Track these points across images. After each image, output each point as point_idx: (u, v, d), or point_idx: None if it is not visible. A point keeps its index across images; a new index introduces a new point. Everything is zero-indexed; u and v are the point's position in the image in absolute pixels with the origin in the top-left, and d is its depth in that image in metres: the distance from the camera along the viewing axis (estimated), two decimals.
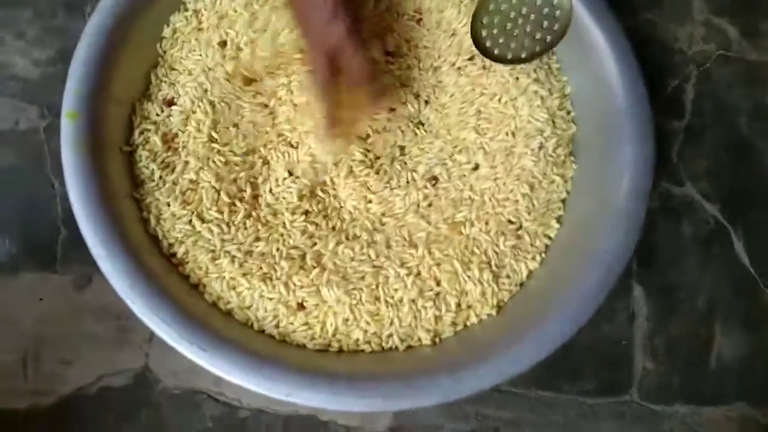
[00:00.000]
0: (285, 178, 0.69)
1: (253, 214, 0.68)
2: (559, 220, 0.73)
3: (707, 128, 0.93)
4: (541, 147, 0.72)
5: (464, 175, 0.72)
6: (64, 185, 0.71)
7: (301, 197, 0.69)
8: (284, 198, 0.69)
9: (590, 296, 0.64)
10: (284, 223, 0.68)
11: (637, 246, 0.78)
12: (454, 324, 0.67)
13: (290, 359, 0.60)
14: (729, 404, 0.81)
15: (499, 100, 0.73)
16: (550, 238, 0.71)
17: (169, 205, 0.67)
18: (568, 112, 0.76)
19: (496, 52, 0.68)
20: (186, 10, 0.76)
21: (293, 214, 0.68)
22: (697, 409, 0.81)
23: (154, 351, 0.77)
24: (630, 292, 0.84)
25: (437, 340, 0.66)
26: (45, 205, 0.81)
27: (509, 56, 0.68)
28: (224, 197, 0.67)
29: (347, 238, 0.68)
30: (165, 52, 0.75)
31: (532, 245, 0.70)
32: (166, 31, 0.75)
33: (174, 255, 0.66)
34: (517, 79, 0.73)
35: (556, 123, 0.74)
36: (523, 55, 0.68)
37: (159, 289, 0.59)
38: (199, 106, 0.70)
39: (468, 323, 0.67)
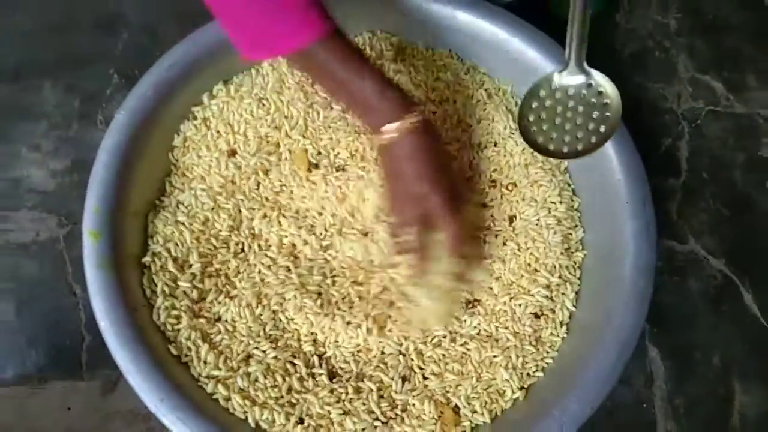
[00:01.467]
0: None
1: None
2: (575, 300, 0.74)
3: (704, 184, 0.96)
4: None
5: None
6: (85, 291, 0.73)
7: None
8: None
9: (607, 373, 0.65)
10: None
11: (649, 308, 0.81)
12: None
13: None
14: None
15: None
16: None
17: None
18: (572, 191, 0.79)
19: (551, 147, 0.65)
20: (195, 118, 0.79)
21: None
22: None
23: None
24: (646, 353, 0.85)
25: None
26: (68, 313, 0.84)
27: (565, 150, 0.65)
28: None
29: None
30: (177, 160, 0.78)
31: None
32: (177, 141, 0.79)
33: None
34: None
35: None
36: (580, 148, 0.65)
37: (188, 401, 0.61)
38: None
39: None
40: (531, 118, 0.65)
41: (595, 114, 0.64)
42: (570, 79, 0.64)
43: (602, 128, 0.64)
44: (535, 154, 0.78)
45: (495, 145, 0.80)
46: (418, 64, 0.82)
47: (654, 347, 0.86)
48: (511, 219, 0.77)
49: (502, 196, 0.77)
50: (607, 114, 0.64)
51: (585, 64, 0.64)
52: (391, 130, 0.63)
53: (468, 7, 0.79)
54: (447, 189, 0.64)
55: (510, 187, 0.78)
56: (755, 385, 0.85)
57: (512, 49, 0.79)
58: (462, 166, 0.78)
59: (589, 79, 0.64)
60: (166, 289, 0.69)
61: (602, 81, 0.64)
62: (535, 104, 0.65)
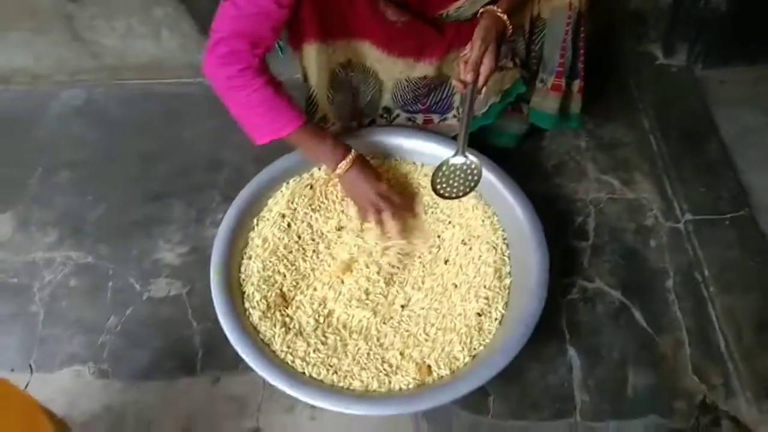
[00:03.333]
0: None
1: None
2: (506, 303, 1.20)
3: (606, 244, 1.41)
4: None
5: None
6: (199, 324, 1.24)
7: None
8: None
9: (516, 343, 1.09)
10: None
11: (568, 323, 1.26)
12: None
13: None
14: (644, 417, 1.19)
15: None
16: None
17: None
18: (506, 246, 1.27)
19: (445, 194, 1.19)
20: (262, 219, 1.31)
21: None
22: (623, 422, 1.19)
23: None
24: (566, 353, 1.27)
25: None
26: (189, 338, 1.31)
27: (453, 195, 1.19)
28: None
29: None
30: (252, 237, 1.29)
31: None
32: (253, 233, 1.30)
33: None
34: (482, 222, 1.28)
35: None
36: (460, 194, 1.19)
37: (279, 368, 1.08)
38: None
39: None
40: (438, 180, 1.18)
41: (470, 176, 1.18)
42: (457, 159, 1.17)
43: (472, 183, 1.18)
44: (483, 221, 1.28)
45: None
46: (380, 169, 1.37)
47: (572, 348, 1.27)
48: (468, 262, 1.25)
49: (465, 253, 1.26)
50: (476, 175, 1.18)
51: (466, 152, 1.16)
52: (341, 167, 1.20)
53: (408, 133, 1.37)
54: (377, 189, 1.22)
55: (469, 242, 1.27)
56: (642, 370, 1.24)
57: (433, 148, 1.34)
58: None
59: (467, 160, 1.16)
60: (250, 295, 1.19)
61: (474, 159, 1.16)
62: (440, 173, 1.18)
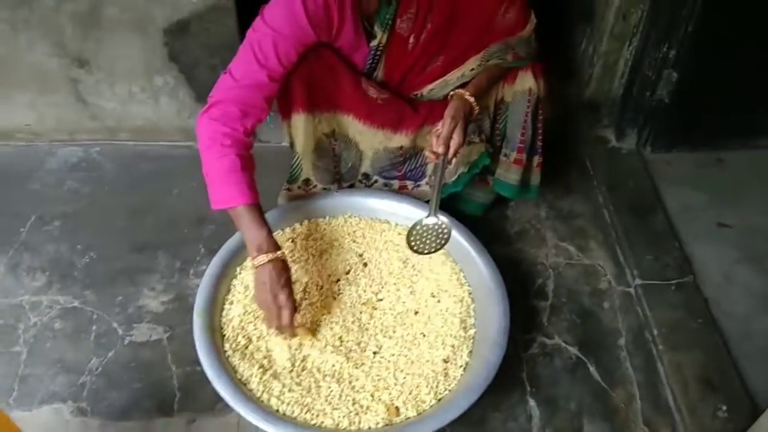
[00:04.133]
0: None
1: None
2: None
3: (563, 305, 1.53)
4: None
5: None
6: (179, 368, 1.31)
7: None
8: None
9: (479, 386, 1.17)
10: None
11: (528, 376, 1.36)
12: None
13: None
14: None
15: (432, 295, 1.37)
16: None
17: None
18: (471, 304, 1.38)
19: (418, 250, 1.31)
20: (242, 270, 1.41)
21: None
22: None
23: None
24: (527, 403, 1.35)
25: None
26: (167, 380, 1.36)
27: (425, 251, 1.31)
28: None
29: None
30: (234, 287, 1.38)
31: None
32: (235, 281, 1.39)
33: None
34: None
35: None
36: (432, 250, 1.31)
37: (254, 404, 1.14)
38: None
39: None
40: (412, 238, 1.30)
41: (440, 235, 1.30)
42: (430, 219, 1.30)
43: (443, 241, 1.30)
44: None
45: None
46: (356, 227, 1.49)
47: (532, 399, 1.36)
48: (436, 314, 1.35)
49: (434, 305, 1.36)
50: (446, 234, 1.30)
51: (437, 214, 1.29)
52: (258, 260, 1.21)
53: (384, 196, 1.51)
54: (274, 298, 1.20)
55: (438, 295, 1.37)
56: (596, 421, 1.32)
57: (406, 209, 1.48)
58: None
59: (438, 221, 1.29)
60: (230, 337, 1.26)
61: (445, 220, 1.29)
62: (414, 232, 1.31)
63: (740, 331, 1.46)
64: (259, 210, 1.25)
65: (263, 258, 1.22)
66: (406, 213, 1.48)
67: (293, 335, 1.26)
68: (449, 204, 1.51)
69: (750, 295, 1.54)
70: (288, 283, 1.24)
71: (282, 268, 1.24)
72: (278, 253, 1.24)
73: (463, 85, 1.36)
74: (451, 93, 1.35)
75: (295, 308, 1.23)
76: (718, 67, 1.71)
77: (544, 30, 1.43)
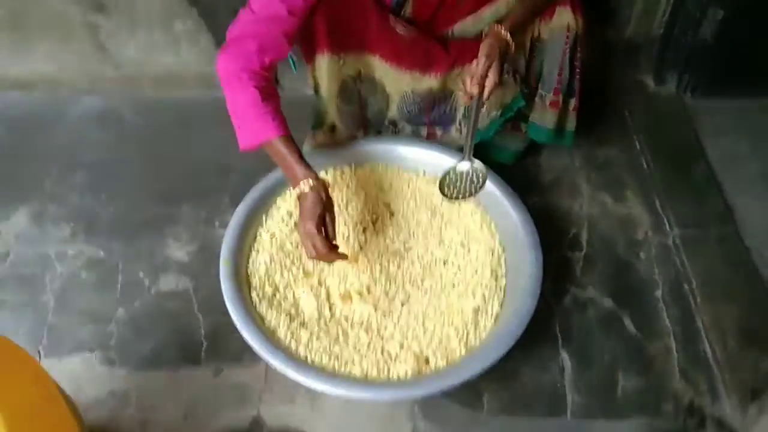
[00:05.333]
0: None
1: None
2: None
3: (598, 255, 1.48)
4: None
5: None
6: (206, 317, 1.29)
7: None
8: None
9: (511, 339, 1.14)
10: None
11: (561, 328, 1.31)
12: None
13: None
14: (633, 418, 1.23)
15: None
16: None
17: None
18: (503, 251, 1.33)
19: (452, 196, 1.27)
20: (268, 217, 1.38)
21: None
22: (612, 423, 1.22)
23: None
24: (559, 356, 1.31)
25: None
26: (194, 329, 1.35)
27: (459, 197, 1.27)
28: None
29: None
30: (260, 233, 1.35)
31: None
32: (261, 230, 1.36)
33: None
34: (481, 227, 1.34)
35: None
36: (466, 196, 1.27)
37: (282, 352, 1.12)
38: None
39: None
40: (445, 183, 1.26)
41: (475, 180, 1.26)
42: (464, 165, 1.24)
43: (478, 187, 1.26)
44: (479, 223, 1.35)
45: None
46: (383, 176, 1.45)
47: (564, 351, 1.32)
48: (466, 264, 1.31)
49: (464, 255, 1.32)
50: (481, 179, 1.26)
51: (471, 158, 1.24)
52: (299, 188, 1.16)
53: (412, 143, 1.46)
54: (316, 223, 1.14)
55: (468, 245, 1.33)
56: (631, 374, 1.29)
57: (434, 157, 1.42)
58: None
59: (473, 165, 1.24)
60: (256, 286, 1.24)
61: (479, 165, 1.23)
62: (447, 178, 1.26)
63: None
64: (289, 139, 1.19)
65: (302, 185, 1.17)
66: (434, 161, 1.42)
67: (340, 258, 1.20)
68: (478, 152, 1.43)
69: None
70: (329, 210, 1.19)
71: (320, 194, 1.17)
72: (317, 180, 1.18)
73: (498, 21, 1.27)
74: (486, 29, 1.27)
75: (334, 235, 1.19)
76: (766, 5, 1.59)
77: None
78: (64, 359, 1.31)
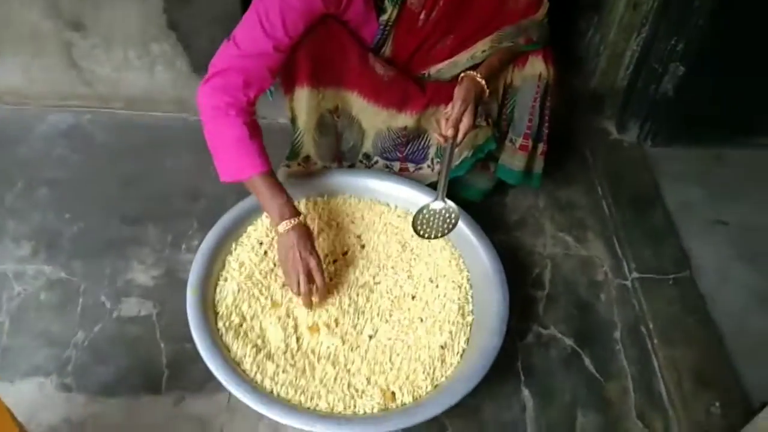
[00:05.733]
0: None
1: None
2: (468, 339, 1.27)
3: (560, 295, 1.52)
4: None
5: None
6: (167, 345, 1.27)
7: None
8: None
9: (476, 373, 1.15)
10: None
11: (523, 365, 1.34)
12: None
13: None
14: None
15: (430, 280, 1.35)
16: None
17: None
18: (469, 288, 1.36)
19: (425, 235, 1.27)
20: (239, 245, 1.37)
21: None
22: None
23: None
24: (521, 393, 1.33)
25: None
26: (156, 356, 1.32)
27: (431, 236, 1.28)
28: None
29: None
30: (229, 261, 1.34)
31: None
32: (230, 257, 1.35)
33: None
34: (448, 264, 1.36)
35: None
36: (438, 235, 1.28)
37: (248, 384, 1.11)
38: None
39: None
40: (418, 223, 1.27)
41: (448, 219, 1.27)
42: (437, 204, 1.26)
43: (450, 226, 1.27)
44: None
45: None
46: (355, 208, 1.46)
47: (526, 389, 1.34)
48: (434, 299, 1.32)
49: (432, 290, 1.34)
50: (453, 219, 1.27)
51: (444, 198, 1.25)
52: (282, 226, 1.21)
53: (385, 177, 1.48)
54: (305, 262, 1.20)
55: (436, 280, 1.35)
56: (590, 413, 1.32)
57: (407, 192, 1.46)
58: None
59: (446, 205, 1.26)
60: (223, 315, 1.23)
61: (452, 205, 1.26)
62: (420, 216, 1.27)
63: (735, 328, 1.46)
64: (273, 177, 1.25)
65: (287, 224, 1.22)
66: (406, 196, 1.45)
67: (323, 299, 1.26)
68: (448, 189, 1.48)
69: (746, 292, 1.54)
70: (314, 247, 1.24)
71: (306, 232, 1.24)
72: (300, 218, 1.24)
73: (473, 67, 1.32)
74: (462, 74, 1.32)
75: (323, 272, 1.24)
76: (725, 63, 1.69)
77: (549, 16, 1.39)
78: (17, 383, 1.26)
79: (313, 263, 1.22)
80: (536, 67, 1.36)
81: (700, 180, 1.80)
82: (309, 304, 1.25)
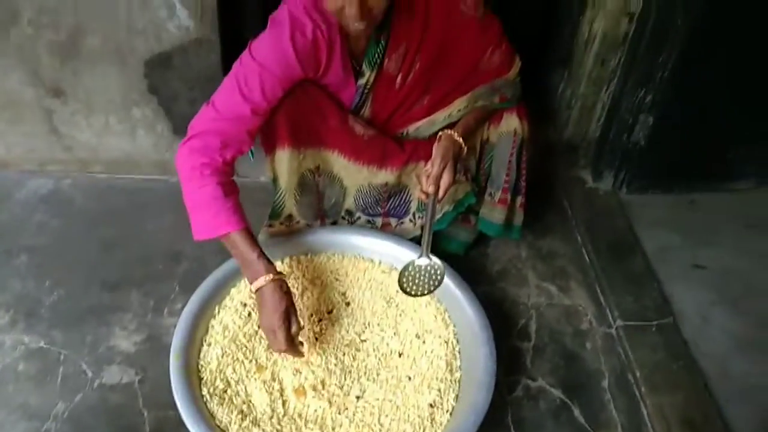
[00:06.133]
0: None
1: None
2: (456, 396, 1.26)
3: (546, 345, 1.52)
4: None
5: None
6: (150, 412, 1.24)
7: None
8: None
9: (470, 427, 1.14)
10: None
11: (513, 419, 1.33)
12: None
13: None
14: None
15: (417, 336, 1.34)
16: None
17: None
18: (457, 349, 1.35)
19: (411, 292, 1.29)
20: (222, 308, 1.36)
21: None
22: None
23: None
24: None
25: None
26: (139, 425, 1.29)
27: (417, 293, 1.30)
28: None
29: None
30: (213, 324, 1.33)
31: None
32: (213, 321, 1.34)
33: None
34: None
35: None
36: (425, 292, 1.30)
37: None
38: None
39: None
40: (404, 280, 1.28)
41: (433, 276, 1.28)
42: (422, 260, 1.27)
43: (436, 282, 1.28)
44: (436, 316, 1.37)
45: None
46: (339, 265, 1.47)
47: None
48: (421, 355, 1.32)
49: (419, 347, 1.33)
50: (439, 275, 1.28)
51: (429, 255, 1.27)
52: (257, 283, 1.20)
53: (367, 233, 1.50)
54: (280, 320, 1.18)
55: (422, 336, 1.35)
56: None
57: (390, 247, 1.46)
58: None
59: (431, 261, 1.27)
60: (208, 381, 1.21)
61: (437, 261, 1.26)
62: (405, 273, 1.28)
63: (719, 372, 1.47)
64: (249, 234, 1.24)
65: (261, 281, 1.20)
66: (389, 251, 1.46)
67: (300, 356, 1.24)
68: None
69: (727, 336, 1.56)
70: (291, 304, 1.22)
71: (282, 288, 1.22)
72: (276, 274, 1.22)
73: (450, 126, 1.36)
74: (440, 133, 1.35)
75: (300, 328, 1.22)
76: (692, 112, 1.76)
77: (522, 73, 1.45)
78: None
79: (288, 321, 1.19)
80: (511, 123, 1.40)
81: (675, 225, 1.84)
82: (295, 354, 1.23)
